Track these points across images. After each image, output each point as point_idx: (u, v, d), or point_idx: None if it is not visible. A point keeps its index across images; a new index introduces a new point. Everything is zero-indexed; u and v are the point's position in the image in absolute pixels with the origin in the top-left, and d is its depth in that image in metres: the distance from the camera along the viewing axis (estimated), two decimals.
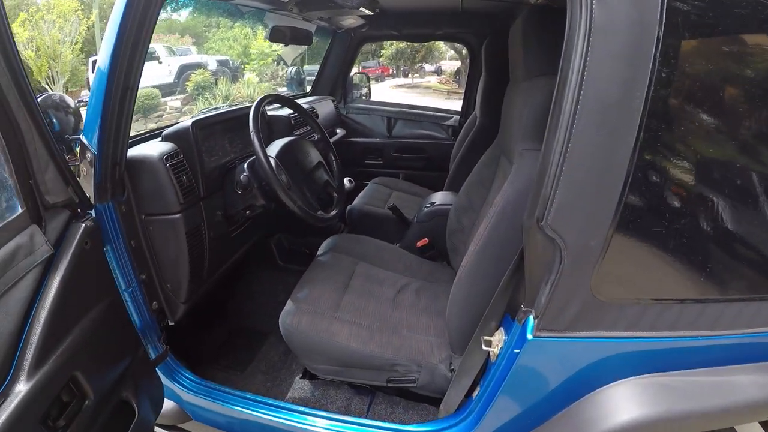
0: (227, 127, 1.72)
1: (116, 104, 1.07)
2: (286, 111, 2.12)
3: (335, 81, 3.06)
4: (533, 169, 0.90)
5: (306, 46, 2.52)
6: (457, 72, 17.26)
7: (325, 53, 2.98)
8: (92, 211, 1.11)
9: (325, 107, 2.82)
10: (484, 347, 1.03)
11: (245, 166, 1.53)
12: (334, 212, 1.63)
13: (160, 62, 12.46)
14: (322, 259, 1.68)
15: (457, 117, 2.95)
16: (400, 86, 17.28)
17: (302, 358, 1.39)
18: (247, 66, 13.71)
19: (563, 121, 0.73)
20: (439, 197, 1.98)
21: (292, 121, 2.02)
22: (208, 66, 13.01)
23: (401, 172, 3.02)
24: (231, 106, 1.86)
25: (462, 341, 1.17)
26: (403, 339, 1.34)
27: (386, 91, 15.72)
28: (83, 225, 1.02)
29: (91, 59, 12.48)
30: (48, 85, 11.79)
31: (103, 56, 1.04)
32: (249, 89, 12.00)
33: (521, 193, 1.06)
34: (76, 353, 0.96)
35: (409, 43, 16.23)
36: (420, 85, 17.49)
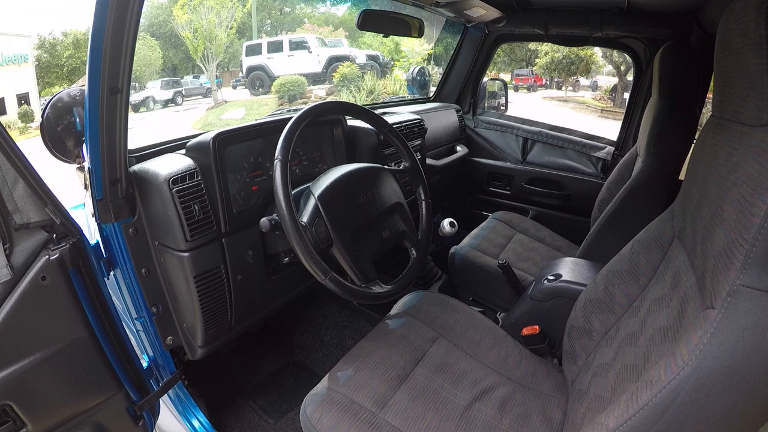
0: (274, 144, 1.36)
1: (104, 110, 0.89)
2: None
3: (463, 87, 2.56)
4: (759, 339, 0.51)
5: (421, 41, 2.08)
6: (614, 88, 15.84)
7: (453, 52, 2.49)
8: (84, 235, 0.97)
9: (445, 118, 2.36)
10: None
11: None
12: (393, 286, 1.16)
13: (310, 52, 13.36)
14: (392, 324, 1.26)
15: (610, 149, 2.26)
16: (552, 98, 16.60)
17: None
18: (396, 63, 13.98)
19: None
20: (567, 268, 1.39)
21: (380, 137, 1.55)
22: (357, 59, 13.60)
23: (531, 209, 2.42)
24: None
25: None
26: None
27: (537, 102, 15.49)
28: (45, 257, 0.89)
29: (245, 44, 13.82)
30: (202, 63, 13.49)
31: (88, 54, 0.87)
32: (395, 86, 12.30)
33: (717, 377, 0.54)
34: (12, 386, 0.90)
35: (565, 54, 15.52)
36: (573, 99, 16.46)
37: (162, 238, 1.10)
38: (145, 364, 1.25)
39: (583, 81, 17.55)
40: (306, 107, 1.13)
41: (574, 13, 1.98)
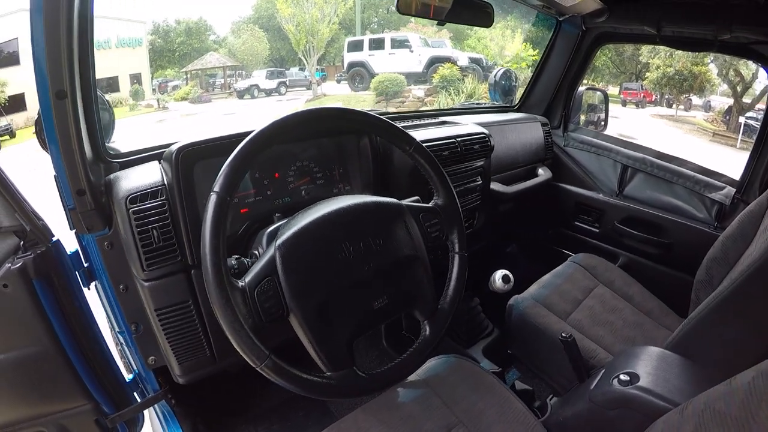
0: (282, 154, 1.13)
1: (55, 115, 0.82)
2: (421, 135, 1.39)
3: (554, 96, 2.14)
4: None
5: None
6: (728, 110, 14.20)
7: (542, 53, 2.10)
8: (59, 243, 0.97)
9: (526, 132, 1.98)
10: None
11: (266, 233, 0.90)
12: (370, 378, 0.84)
13: (412, 51, 13.47)
14: (402, 395, 1.00)
15: (731, 190, 1.68)
16: (662, 116, 15.38)
17: None
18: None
19: None
20: (649, 366, 0.96)
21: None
22: (458, 61, 13.45)
23: (622, 255, 1.93)
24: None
25: None
26: None
27: (645, 119, 14.61)
28: (8, 265, 0.89)
29: (347, 40, 14.22)
30: (304, 56, 14.04)
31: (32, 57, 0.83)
32: None
33: None
34: None
35: (678, 69, 14.31)
36: (683, 119, 15.10)
37: (130, 259, 0.97)
38: (130, 377, 1.22)
39: (695, 100, 16.03)
40: (284, 115, 0.85)
41: (696, 7, 1.51)
